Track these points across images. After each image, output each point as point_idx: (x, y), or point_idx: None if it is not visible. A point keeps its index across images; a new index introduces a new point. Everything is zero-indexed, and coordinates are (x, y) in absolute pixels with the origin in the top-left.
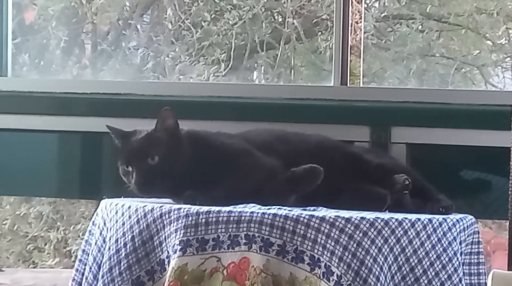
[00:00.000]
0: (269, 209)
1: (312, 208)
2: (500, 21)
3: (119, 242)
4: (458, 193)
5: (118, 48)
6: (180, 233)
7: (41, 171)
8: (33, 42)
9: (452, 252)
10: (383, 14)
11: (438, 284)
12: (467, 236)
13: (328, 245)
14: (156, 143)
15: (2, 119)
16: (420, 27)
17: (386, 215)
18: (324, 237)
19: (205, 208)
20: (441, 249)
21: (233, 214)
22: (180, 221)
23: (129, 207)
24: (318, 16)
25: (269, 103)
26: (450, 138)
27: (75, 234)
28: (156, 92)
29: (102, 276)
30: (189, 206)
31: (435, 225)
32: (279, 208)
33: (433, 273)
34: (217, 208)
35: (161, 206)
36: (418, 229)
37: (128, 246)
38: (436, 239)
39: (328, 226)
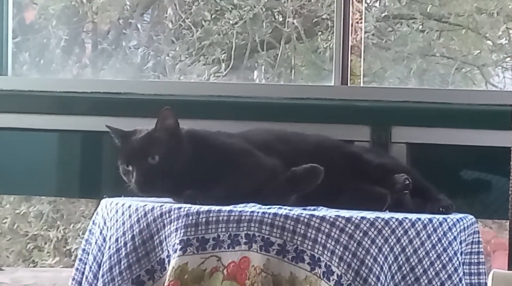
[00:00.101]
0: (269, 208)
1: (312, 207)
2: (500, 21)
3: (119, 241)
4: (458, 193)
5: (118, 47)
6: (180, 233)
7: (42, 170)
8: (33, 41)
9: (452, 252)
10: (383, 14)
11: (438, 283)
12: (467, 236)
13: (328, 245)
14: (156, 142)
15: (2, 118)
16: (420, 27)
17: (386, 215)
18: (324, 237)
19: (205, 208)
20: (441, 248)
21: (233, 214)
22: (180, 221)
23: (129, 206)
24: (318, 15)
25: (270, 103)
26: (451, 138)
27: (75, 233)
28: (156, 91)
29: (102, 275)
30: (189, 205)
31: (435, 225)
32: (279, 208)
33: (433, 273)
34: (217, 208)
35: (161, 206)
36: (419, 228)
37: (128, 245)
38: (436, 238)
39: (328, 226)
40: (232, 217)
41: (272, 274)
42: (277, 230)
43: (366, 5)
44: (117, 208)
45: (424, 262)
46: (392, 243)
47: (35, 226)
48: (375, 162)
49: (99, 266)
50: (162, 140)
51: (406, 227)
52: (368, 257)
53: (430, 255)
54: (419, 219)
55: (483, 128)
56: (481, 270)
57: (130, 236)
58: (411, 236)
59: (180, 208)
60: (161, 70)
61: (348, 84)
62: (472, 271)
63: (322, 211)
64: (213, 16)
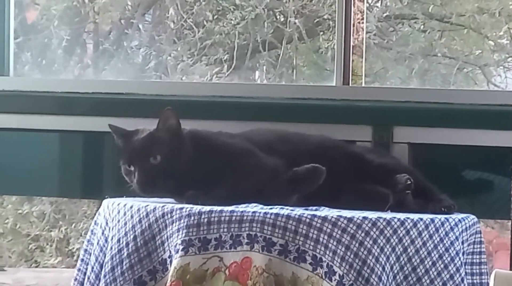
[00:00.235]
0: (271, 208)
1: (314, 207)
2: (502, 21)
3: (121, 242)
4: (460, 193)
5: (120, 47)
6: (182, 233)
7: (43, 170)
8: (35, 41)
9: (454, 252)
10: (385, 14)
11: (440, 283)
12: (469, 236)
13: (330, 245)
14: (158, 142)
15: (4, 118)
16: (422, 27)
17: (388, 215)
18: (326, 237)
19: (207, 208)
20: (443, 248)
21: (235, 214)
22: (182, 221)
23: (131, 207)
24: (320, 15)
25: (271, 103)
26: (452, 138)
27: (77, 233)
28: (158, 91)
29: (104, 276)
30: (191, 205)
31: (437, 225)
32: (281, 208)
33: (435, 273)
34: (219, 208)
35: (163, 206)
36: (420, 229)
37: (130, 246)
38: (438, 238)
39: (330, 226)
40: (234, 218)
41: (274, 274)
42: (279, 230)
43: (367, 5)
44: (119, 208)
45: (426, 262)
46: (394, 243)
47: (37, 226)
48: (377, 162)
49: (101, 267)
50: (164, 140)
51: (408, 227)
52: (370, 257)
53: (432, 255)
54: (421, 219)
55: (485, 128)
56: (483, 270)
57: (132, 236)
58: (413, 236)
59: (182, 208)
60: (163, 70)
61: (350, 84)
62: (474, 271)
63: (324, 211)
64: (215, 17)
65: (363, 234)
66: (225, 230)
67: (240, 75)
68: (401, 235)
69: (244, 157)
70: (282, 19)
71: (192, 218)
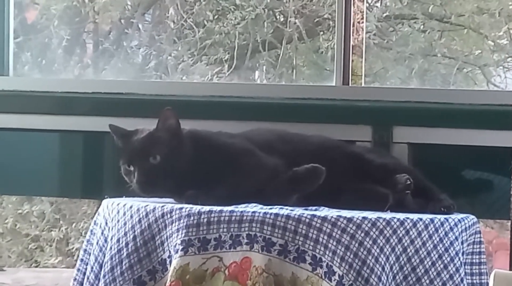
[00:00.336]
0: (271, 208)
1: (314, 207)
2: (502, 21)
3: (120, 242)
4: (460, 193)
5: (120, 47)
6: (181, 233)
7: (43, 170)
8: (35, 41)
9: (454, 252)
10: (385, 14)
11: (440, 283)
12: (469, 236)
13: (330, 245)
14: (157, 142)
15: (4, 118)
16: (422, 27)
17: (388, 215)
18: (326, 237)
19: (207, 208)
20: (442, 248)
21: (235, 214)
22: (181, 221)
23: (131, 207)
24: (320, 15)
25: (271, 103)
26: (452, 138)
27: (77, 233)
28: (158, 91)
29: (104, 276)
30: (191, 205)
31: (436, 225)
32: (281, 208)
33: (434, 273)
34: (219, 208)
35: (162, 206)
36: (420, 228)
37: (129, 246)
38: (438, 238)
39: (330, 226)
40: (233, 218)
41: (274, 275)
42: (278, 230)
43: (367, 5)
44: (119, 208)
45: (425, 262)
46: (393, 243)
47: (37, 226)
48: (377, 162)
49: (101, 267)
50: (164, 140)
51: (408, 227)
52: (370, 257)
53: (432, 255)
54: (421, 219)
55: (485, 128)
56: (482, 270)
57: (131, 236)
58: (413, 236)
59: (181, 208)
60: (163, 70)
61: (350, 84)
62: (474, 271)
63: (323, 211)
64: (215, 17)
65: (362, 234)
66: (225, 230)
67: (240, 75)
68: (400, 235)
69: (244, 157)
70: (282, 19)
71: (192, 218)
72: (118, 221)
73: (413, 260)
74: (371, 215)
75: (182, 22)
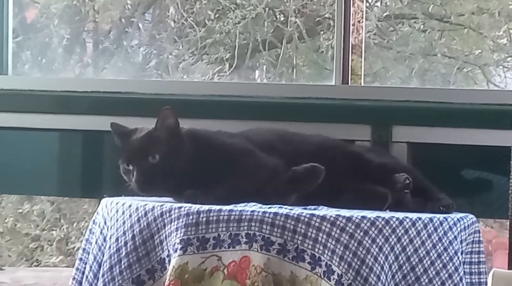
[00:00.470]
0: (270, 208)
1: (313, 207)
2: (502, 21)
3: (119, 241)
4: (459, 192)
5: (120, 46)
6: (180, 232)
7: (42, 169)
8: (35, 40)
9: (453, 251)
10: (385, 14)
11: (439, 283)
12: (468, 235)
13: (329, 244)
14: (156, 142)
15: (3, 117)
16: (422, 26)
17: (387, 214)
18: (325, 236)
19: (205, 207)
20: (441, 248)
21: (233, 213)
22: (180, 220)
23: (130, 206)
24: (320, 15)
25: (271, 102)
26: (452, 137)
27: (77, 232)
28: (158, 90)
29: (103, 275)
30: (189, 204)
31: (435, 224)
32: (280, 207)
33: (433, 272)
34: (218, 207)
35: (161, 205)
36: (419, 228)
37: (128, 245)
38: (437, 238)
39: (329, 225)
40: (232, 217)
41: (273, 274)
42: (277, 229)
43: (367, 4)
44: (118, 207)
45: (424, 262)
46: (392, 243)
47: (37, 225)
48: (376, 162)
49: (100, 266)
50: (162, 140)
51: (407, 226)
52: (369, 256)
53: (431, 254)
54: (420, 218)
55: (484, 128)
56: (481, 269)
57: (130, 235)
58: (412, 235)
59: (180, 207)
60: (163, 69)
61: (349, 84)
62: (473, 270)
63: (322, 211)
64: (216, 16)
65: (361, 233)
66: (224, 229)
67: (240, 75)
68: (399, 234)
69: (244, 157)
70: (282, 19)
71: (191, 217)
72: (117, 220)
73: (412, 259)
74: (370, 214)
75: (183, 21)
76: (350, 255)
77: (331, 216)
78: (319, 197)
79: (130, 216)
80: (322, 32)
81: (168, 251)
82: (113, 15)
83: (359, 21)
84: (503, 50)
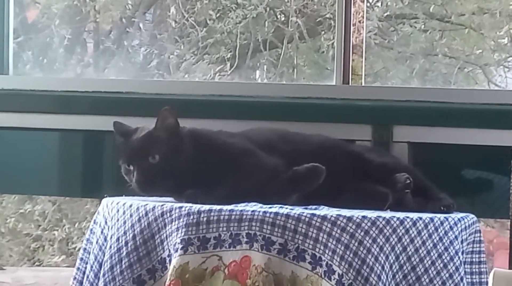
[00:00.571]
0: (270, 208)
1: (313, 207)
2: (503, 21)
3: (120, 241)
4: (460, 192)
5: (121, 46)
6: (181, 232)
7: (43, 169)
8: (36, 40)
9: (454, 251)
10: (386, 14)
11: (440, 282)
12: (469, 235)
13: (329, 244)
14: (156, 142)
15: (4, 117)
16: (423, 26)
17: (387, 214)
18: (325, 236)
19: (206, 207)
20: (442, 248)
21: (234, 213)
22: (181, 220)
23: (131, 206)
24: (321, 15)
25: (272, 102)
26: (452, 137)
27: (79, 232)
28: (159, 90)
29: (103, 275)
30: (190, 204)
31: (436, 224)
32: (280, 207)
33: (434, 272)
34: (218, 207)
35: (162, 205)
36: (420, 228)
37: (129, 245)
38: (437, 238)
39: (329, 225)
40: (233, 216)
41: (273, 274)
42: (278, 229)
43: (368, 4)
44: (118, 207)
45: (425, 261)
46: (393, 242)
47: (38, 225)
48: (377, 162)
49: (100, 266)
50: (162, 140)
51: (408, 226)
52: (370, 256)
53: (432, 254)
54: (421, 218)
55: (485, 127)
56: (482, 269)
57: (131, 235)
58: (413, 235)
59: (181, 207)
60: (164, 69)
61: (350, 84)
62: (473, 270)
63: (323, 211)
64: (217, 16)
65: (362, 233)
66: (224, 229)
67: (241, 74)
68: (400, 234)
69: (244, 157)
70: (283, 19)
71: (191, 217)
72: (118, 220)
73: (412, 259)
74: (371, 214)
75: (184, 21)
76: (351, 255)
77: (332, 216)
78: (320, 197)
79: (131, 216)
80: (323, 32)
81: (169, 251)
82: (114, 15)
83: (360, 21)
84: (504, 50)
